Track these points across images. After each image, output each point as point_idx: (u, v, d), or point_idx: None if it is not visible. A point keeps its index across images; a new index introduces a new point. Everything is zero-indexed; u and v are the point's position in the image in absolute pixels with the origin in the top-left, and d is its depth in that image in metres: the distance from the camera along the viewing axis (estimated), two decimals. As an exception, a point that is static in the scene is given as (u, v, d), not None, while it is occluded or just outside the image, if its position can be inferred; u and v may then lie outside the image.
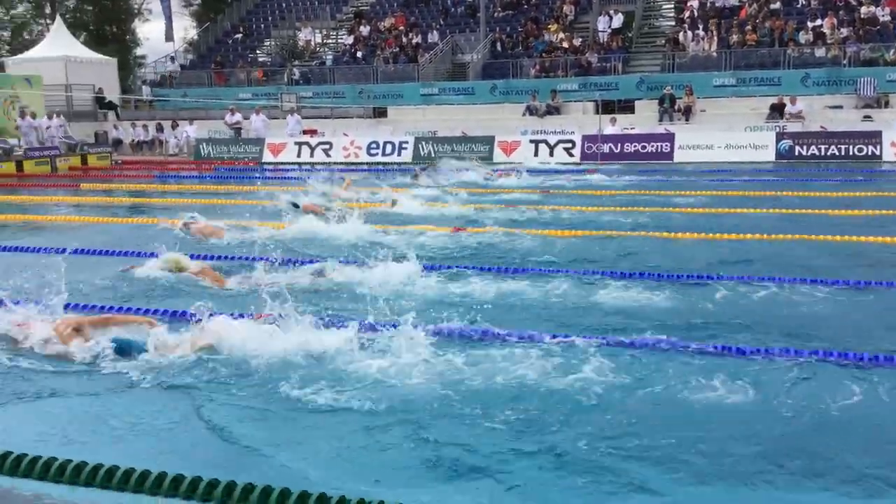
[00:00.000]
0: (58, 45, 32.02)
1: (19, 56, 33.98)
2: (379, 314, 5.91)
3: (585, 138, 21.95)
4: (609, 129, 22.52)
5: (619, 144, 21.66)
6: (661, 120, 23.93)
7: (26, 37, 50.56)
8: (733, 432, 4.27)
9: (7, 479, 3.54)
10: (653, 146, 21.45)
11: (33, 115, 24.84)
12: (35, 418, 4.71)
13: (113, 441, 4.35)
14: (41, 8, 51.92)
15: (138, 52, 53.65)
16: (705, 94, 24.62)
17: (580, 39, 28.84)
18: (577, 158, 21.57)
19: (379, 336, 5.67)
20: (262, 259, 8.03)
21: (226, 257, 9.11)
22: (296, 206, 12.11)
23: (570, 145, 21.88)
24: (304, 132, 25.74)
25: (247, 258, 8.76)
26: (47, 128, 24.68)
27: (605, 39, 28.43)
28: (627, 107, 25.45)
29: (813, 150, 20.25)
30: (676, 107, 23.95)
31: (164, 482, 3.46)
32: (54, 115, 25.44)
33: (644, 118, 24.28)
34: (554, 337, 5.87)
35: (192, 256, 8.47)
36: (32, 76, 28.07)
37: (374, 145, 23.72)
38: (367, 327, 5.86)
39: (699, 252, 9.08)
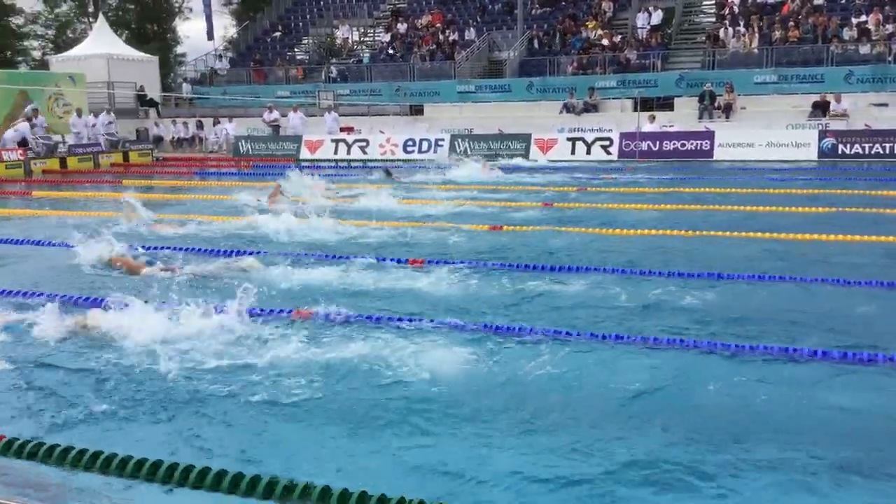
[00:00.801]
0: (100, 43, 32.51)
1: (63, 54, 34.61)
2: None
3: (623, 136, 21.77)
4: (647, 127, 22.29)
5: (658, 142, 21.44)
6: (700, 117, 23.63)
7: (70, 35, 51.50)
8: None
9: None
10: (692, 144, 21.19)
11: (78, 112, 25.22)
12: None
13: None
14: (84, 6, 52.86)
15: (179, 50, 54.38)
16: (746, 91, 24.24)
17: (619, 36, 28.59)
18: (614, 156, 21.42)
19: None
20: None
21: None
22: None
23: (607, 143, 21.71)
24: (342, 129, 25.89)
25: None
26: (93, 125, 25.01)
27: (644, 36, 28.15)
28: (666, 104, 25.16)
29: (857, 148, 19.85)
30: (717, 104, 23.64)
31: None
32: (102, 112, 25.76)
33: (683, 116, 23.98)
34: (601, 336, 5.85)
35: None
36: (76, 74, 28.58)
37: (410, 143, 23.77)
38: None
39: (732, 251, 8.97)
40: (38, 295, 7.18)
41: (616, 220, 11.31)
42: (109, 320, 6.03)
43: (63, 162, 21.69)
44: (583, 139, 22.11)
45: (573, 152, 21.80)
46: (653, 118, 22.91)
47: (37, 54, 52.27)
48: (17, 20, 50.88)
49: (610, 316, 6.49)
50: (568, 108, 25.23)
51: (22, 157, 20.91)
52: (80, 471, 3.76)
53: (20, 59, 51.65)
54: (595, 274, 7.91)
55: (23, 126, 22.04)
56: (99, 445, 3.92)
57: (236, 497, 3.50)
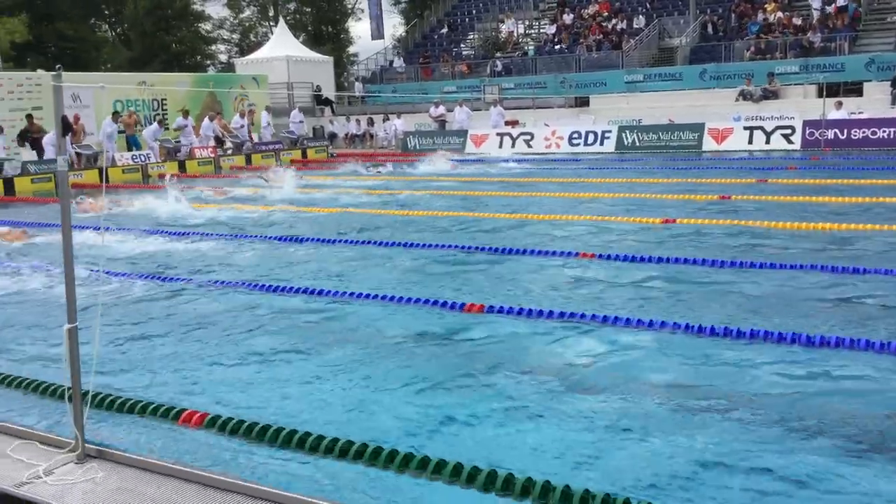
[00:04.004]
0: (281, 45, 34.41)
1: (247, 57, 36.95)
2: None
3: (807, 124, 20.44)
4: (834, 114, 20.80)
5: (846, 130, 19.97)
6: (893, 103, 21.80)
7: (253, 39, 54.88)
8: None
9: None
10: (884, 132, 19.57)
11: (268, 109, 26.77)
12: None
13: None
14: (265, 11, 56.12)
15: (351, 49, 56.57)
16: (947, 72, 22.10)
17: (800, 18, 26.87)
18: (797, 146, 20.19)
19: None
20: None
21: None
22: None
23: (789, 132, 20.48)
24: (506, 123, 25.97)
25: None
26: (266, 125, 26.49)
27: (830, 17, 26.27)
28: (855, 89, 23.41)
29: None
30: (912, 88, 21.73)
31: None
32: (294, 110, 27.26)
33: (874, 101, 22.21)
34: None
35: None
36: (259, 75, 30.45)
37: (575, 135, 23.46)
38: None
39: None
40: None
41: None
42: None
43: (248, 159, 23.16)
44: (761, 128, 20.97)
45: (750, 141, 20.76)
46: (840, 105, 21.34)
47: (223, 58, 56.16)
48: (205, 26, 54.87)
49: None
50: (745, 96, 24.03)
51: (212, 155, 22.52)
52: (290, 450, 3.98)
53: (208, 62, 55.66)
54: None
55: (205, 124, 23.73)
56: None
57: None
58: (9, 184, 17.94)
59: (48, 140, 19.67)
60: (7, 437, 3.80)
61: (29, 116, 21.31)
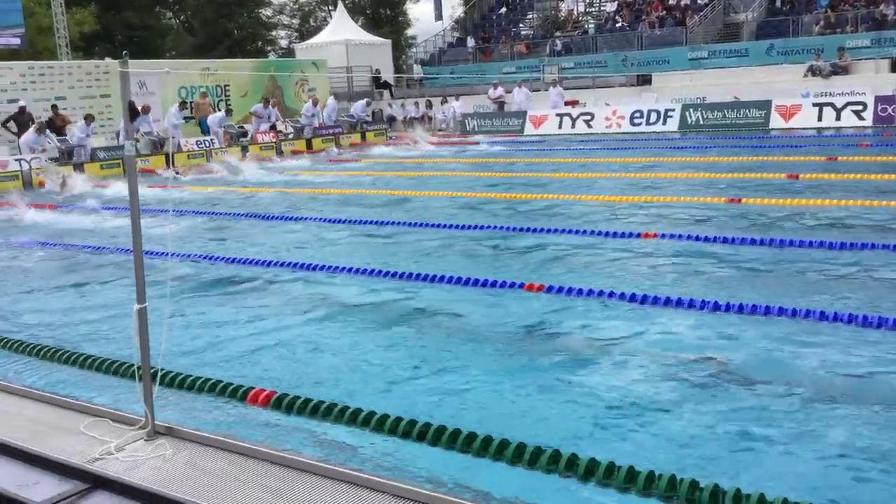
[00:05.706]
0: (340, 29, 34.54)
1: (306, 42, 37.23)
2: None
3: (879, 99, 19.68)
4: (908, 89, 20.03)
5: (921, 105, 19.19)
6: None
7: (312, 23, 55.28)
8: None
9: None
10: (962, 106, 18.75)
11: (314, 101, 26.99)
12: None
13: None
14: (325, -5, 56.45)
15: (409, 32, 56.55)
16: None
17: (874, -10, 25.83)
18: (868, 122, 19.47)
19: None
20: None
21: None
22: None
23: (860, 108, 19.75)
24: (566, 103, 25.64)
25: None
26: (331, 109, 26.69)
27: (906, -13, 25.18)
28: (930, 63, 22.43)
29: None
30: None
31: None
32: (362, 101, 27.51)
33: (952, 75, 21.26)
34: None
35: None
36: (318, 60, 30.67)
37: (637, 114, 23.04)
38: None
39: None
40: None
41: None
42: None
43: (309, 143, 23.44)
44: (831, 104, 20.27)
45: (820, 118, 20.10)
46: (914, 78, 20.54)
47: (283, 43, 56.75)
48: (266, 12, 55.49)
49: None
50: (813, 72, 23.22)
51: (274, 140, 22.84)
52: (358, 428, 4.02)
53: (269, 48, 56.29)
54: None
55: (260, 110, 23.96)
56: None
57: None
58: (80, 169, 18.54)
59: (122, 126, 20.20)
60: (80, 415, 3.92)
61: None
